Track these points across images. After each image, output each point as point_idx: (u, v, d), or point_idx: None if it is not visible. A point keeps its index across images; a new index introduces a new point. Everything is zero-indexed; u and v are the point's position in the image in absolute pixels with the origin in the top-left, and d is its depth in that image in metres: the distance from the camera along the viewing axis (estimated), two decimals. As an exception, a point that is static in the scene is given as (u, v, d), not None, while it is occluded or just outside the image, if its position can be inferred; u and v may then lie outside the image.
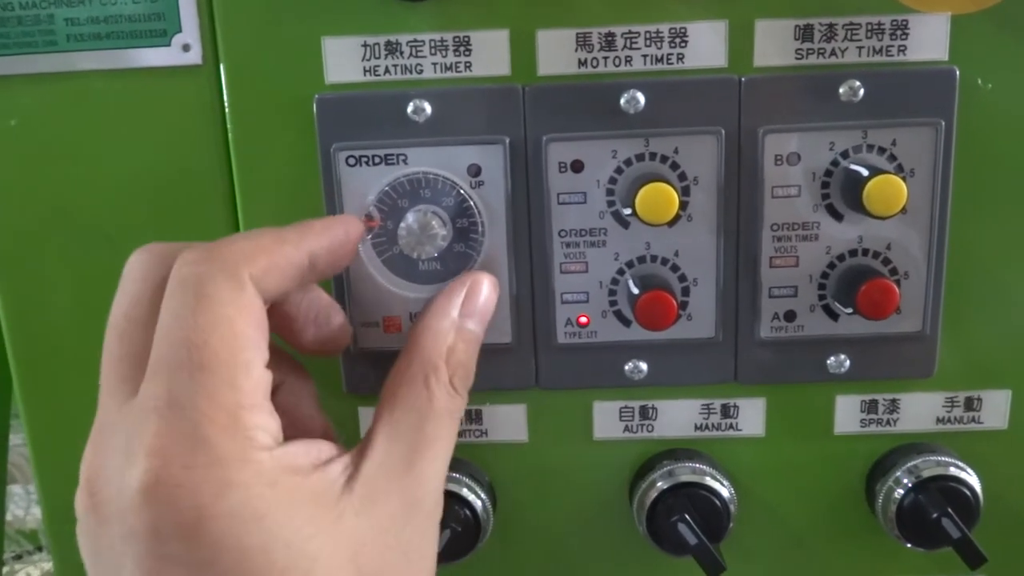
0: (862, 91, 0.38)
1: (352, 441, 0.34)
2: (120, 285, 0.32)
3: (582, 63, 0.38)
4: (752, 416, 0.43)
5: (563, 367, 0.42)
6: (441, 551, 0.39)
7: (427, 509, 0.33)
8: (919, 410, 0.42)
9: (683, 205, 0.39)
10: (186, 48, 0.39)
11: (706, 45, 0.38)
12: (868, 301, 0.38)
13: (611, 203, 0.39)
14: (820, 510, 0.44)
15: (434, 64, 0.39)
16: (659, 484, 0.41)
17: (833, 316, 0.40)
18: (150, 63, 0.39)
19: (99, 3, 0.39)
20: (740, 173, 0.39)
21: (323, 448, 0.32)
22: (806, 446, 0.43)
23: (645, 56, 0.38)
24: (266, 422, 0.30)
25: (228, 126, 0.40)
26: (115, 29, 0.39)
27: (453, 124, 0.39)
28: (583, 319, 0.41)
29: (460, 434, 0.43)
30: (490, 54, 0.38)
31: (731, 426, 0.43)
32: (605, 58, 0.38)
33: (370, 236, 0.40)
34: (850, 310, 0.39)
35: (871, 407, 0.43)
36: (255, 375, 0.30)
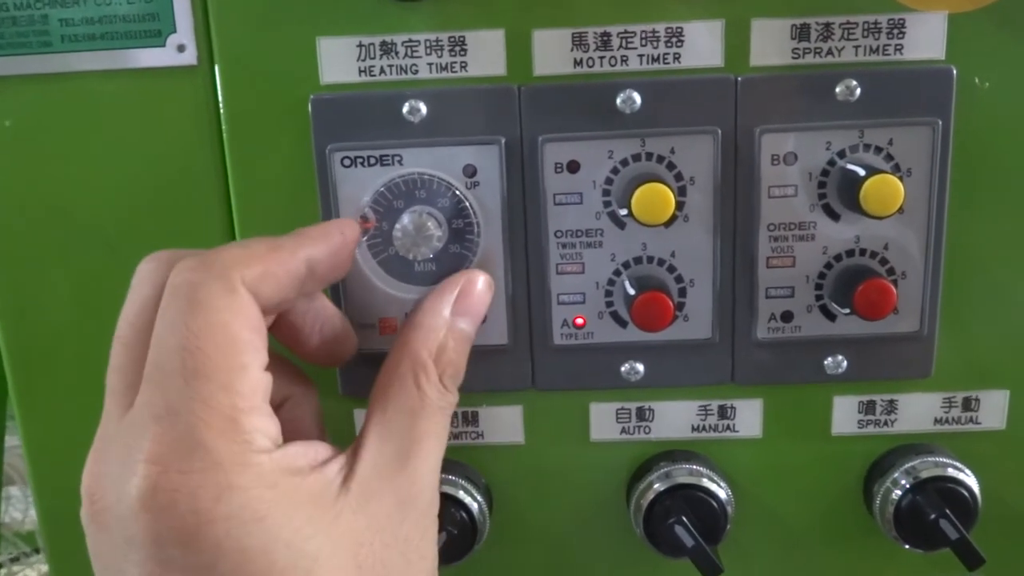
0: (859, 90, 0.38)
1: (349, 443, 0.34)
2: (128, 294, 0.33)
3: (578, 63, 0.38)
4: (749, 417, 0.43)
5: (559, 368, 0.42)
6: (437, 553, 0.39)
7: (423, 505, 0.33)
8: (917, 411, 0.42)
9: (679, 205, 0.39)
10: (181, 49, 0.39)
11: (702, 44, 0.38)
12: (865, 301, 0.38)
13: (607, 203, 0.39)
14: (818, 511, 0.44)
15: (429, 64, 0.38)
16: (656, 486, 0.41)
17: (830, 316, 0.40)
18: (145, 64, 0.39)
19: (94, 4, 0.39)
20: (737, 173, 0.39)
21: (319, 449, 0.32)
22: (803, 447, 0.43)
23: (641, 56, 0.38)
24: (264, 425, 0.30)
25: (223, 127, 0.40)
26: (110, 30, 0.39)
27: (449, 124, 0.39)
28: (579, 320, 0.41)
29: (456, 436, 0.43)
30: (486, 54, 0.38)
31: (728, 427, 0.43)
32: (601, 58, 0.38)
33: (365, 237, 0.39)
34: (847, 310, 0.39)
35: (869, 408, 0.42)
36: (252, 378, 0.30)
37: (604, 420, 0.43)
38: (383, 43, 0.38)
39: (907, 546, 0.41)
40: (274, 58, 0.39)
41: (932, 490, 0.40)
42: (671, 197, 0.36)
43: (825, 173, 0.39)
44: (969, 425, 0.43)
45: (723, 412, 0.43)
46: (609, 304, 0.41)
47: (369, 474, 0.32)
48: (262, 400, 0.31)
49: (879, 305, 0.38)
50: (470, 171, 0.39)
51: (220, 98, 0.39)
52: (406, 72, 0.39)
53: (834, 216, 0.39)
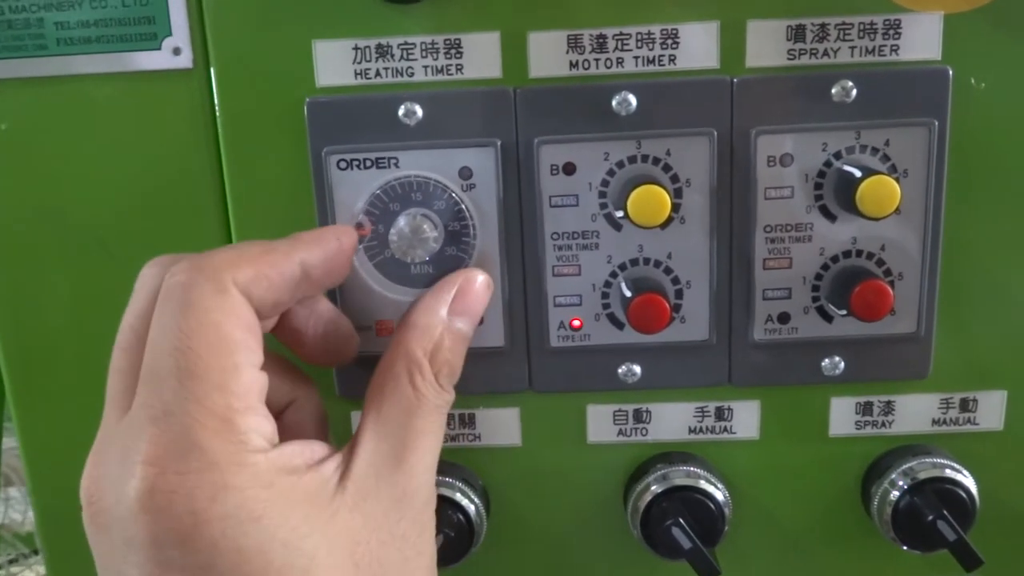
0: (855, 91, 0.38)
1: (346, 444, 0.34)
2: (131, 298, 0.33)
3: (573, 65, 0.38)
4: (746, 419, 0.43)
5: (556, 370, 0.42)
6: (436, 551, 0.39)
7: (420, 503, 0.33)
8: (914, 412, 0.42)
9: (675, 207, 0.39)
10: (176, 51, 0.39)
11: (698, 46, 0.38)
12: (862, 302, 0.38)
13: (603, 205, 0.39)
14: (815, 513, 0.44)
15: (425, 67, 0.38)
16: (653, 488, 0.41)
17: (827, 318, 0.40)
18: (140, 67, 0.39)
19: (89, 7, 0.39)
20: (733, 175, 0.39)
21: (316, 448, 0.32)
22: (801, 449, 0.43)
23: (637, 58, 0.38)
24: (259, 424, 0.31)
25: (219, 129, 0.40)
26: (105, 33, 0.39)
27: (444, 127, 0.39)
28: (576, 322, 0.41)
29: (453, 438, 0.43)
30: (481, 56, 0.38)
31: (725, 429, 0.43)
32: (596, 60, 0.38)
33: (361, 243, 0.40)
34: (844, 312, 0.39)
35: (866, 409, 0.42)
36: (246, 378, 0.30)
37: (601, 422, 0.43)
38: (379, 46, 0.38)
39: (905, 547, 0.41)
40: (270, 61, 0.39)
41: (930, 491, 0.40)
42: (667, 199, 0.36)
43: (821, 174, 0.39)
44: (967, 426, 0.42)
45: (720, 414, 0.43)
46: (606, 306, 0.40)
47: (365, 472, 0.32)
48: (257, 400, 0.31)
49: (876, 306, 0.38)
50: (466, 173, 0.39)
51: (216, 101, 0.39)
52: (402, 75, 0.39)
53: (831, 217, 0.39)
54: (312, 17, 0.38)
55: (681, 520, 0.40)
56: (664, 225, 0.38)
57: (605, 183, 0.39)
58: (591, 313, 0.41)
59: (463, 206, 0.39)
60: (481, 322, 0.39)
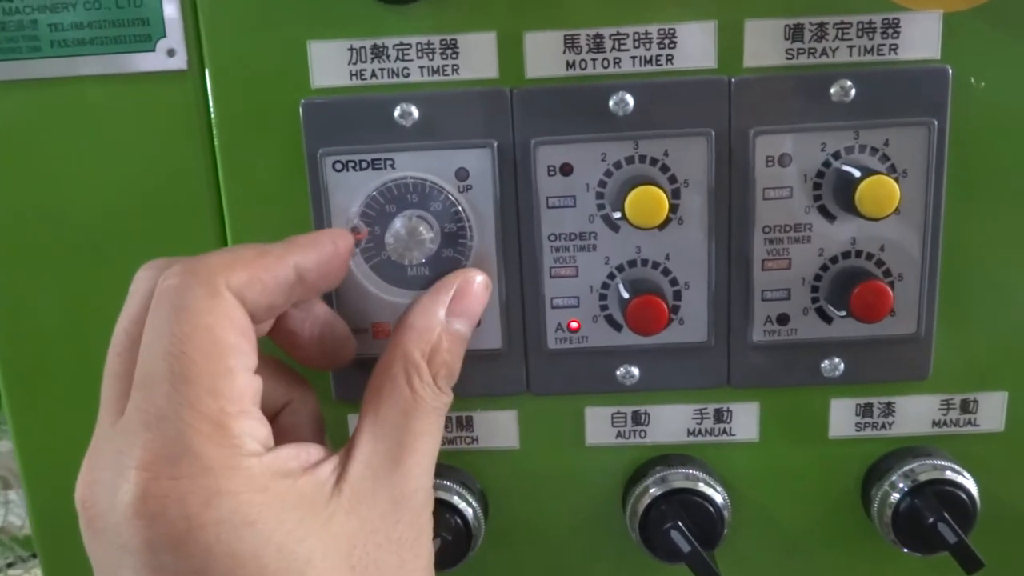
0: (854, 91, 0.38)
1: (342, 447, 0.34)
2: (125, 301, 0.33)
3: (570, 65, 0.38)
4: (746, 421, 0.42)
5: (554, 372, 0.41)
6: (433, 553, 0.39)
7: (417, 505, 0.33)
8: (914, 413, 0.42)
9: (673, 208, 0.39)
10: (171, 53, 0.39)
11: (695, 46, 0.38)
12: (862, 303, 0.38)
13: (601, 206, 0.39)
14: (815, 515, 0.44)
15: (421, 67, 0.38)
16: (652, 490, 0.41)
17: (827, 319, 0.40)
18: (135, 68, 0.39)
19: (83, 8, 0.38)
20: (731, 175, 0.39)
21: (312, 451, 0.32)
22: (800, 450, 0.43)
23: (634, 58, 0.38)
24: (253, 428, 0.30)
25: (214, 131, 0.40)
26: (99, 35, 0.39)
27: (440, 128, 0.38)
28: (574, 324, 0.41)
29: (451, 441, 0.43)
30: (477, 57, 0.38)
31: (724, 431, 0.43)
32: (593, 60, 0.38)
33: (358, 247, 0.39)
34: (843, 313, 0.39)
35: (866, 411, 0.42)
36: (239, 382, 0.30)
37: (599, 424, 0.43)
38: (374, 46, 0.38)
39: (905, 550, 0.41)
40: (264, 62, 0.38)
41: (930, 493, 0.40)
42: (665, 200, 0.36)
43: (820, 174, 0.38)
44: (967, 427, 0.42)
45: (719, 416, 0.42)
46: (603, 308, 0.40)
47: (362, 475, 0.32)
48: (251, 403, 0.31)
49: (876, 307, 0.38)
50: (463, 175, 0.39)
51: (211, 102, 0.39)
52: (397, 75, 0.38)
53: (830, 218, 0.39)
54: (307, 18, 0.38)
55: (680, 523, 0.40)
56: (662, 226, 0.38)
57: (602, 184, 0.39)
58: (589, 315, 0.40)
59: (460, 207, 0.39)
60: (479, 324, 0.39)
